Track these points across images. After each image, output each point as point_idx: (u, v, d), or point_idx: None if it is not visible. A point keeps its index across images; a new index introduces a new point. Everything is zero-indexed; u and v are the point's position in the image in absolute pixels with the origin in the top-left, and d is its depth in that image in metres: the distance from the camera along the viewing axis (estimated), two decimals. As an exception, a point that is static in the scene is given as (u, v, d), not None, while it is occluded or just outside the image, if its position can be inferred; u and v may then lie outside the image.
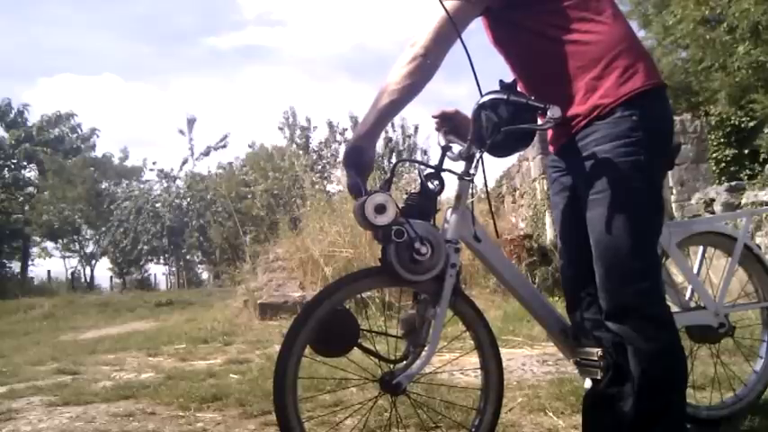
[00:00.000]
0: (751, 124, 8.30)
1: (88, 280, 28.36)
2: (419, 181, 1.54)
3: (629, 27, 1.56)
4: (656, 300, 1.48)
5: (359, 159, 1.47)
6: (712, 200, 6.92)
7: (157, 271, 30.37)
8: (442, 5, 1.44)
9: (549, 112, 1.38)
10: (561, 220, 1.70)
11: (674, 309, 1.85)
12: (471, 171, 1.53)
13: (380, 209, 1.39)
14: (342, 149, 23.07)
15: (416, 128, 23.17)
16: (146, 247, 25.73)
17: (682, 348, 1.51)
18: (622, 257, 1.44)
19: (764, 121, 7.95)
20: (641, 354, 1.44)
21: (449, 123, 1.69)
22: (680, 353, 1.49)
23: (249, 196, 21.94)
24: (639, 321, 1.44)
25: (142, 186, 28.45)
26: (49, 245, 29.66)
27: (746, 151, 8.39)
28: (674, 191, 8.07)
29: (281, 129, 24.46)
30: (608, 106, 1.45)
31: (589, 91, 1.47)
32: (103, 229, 26.62)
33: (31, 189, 30.07)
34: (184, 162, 27.30)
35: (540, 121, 1.46)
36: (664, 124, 1.54)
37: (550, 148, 1.73)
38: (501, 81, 1.46)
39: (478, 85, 1.49)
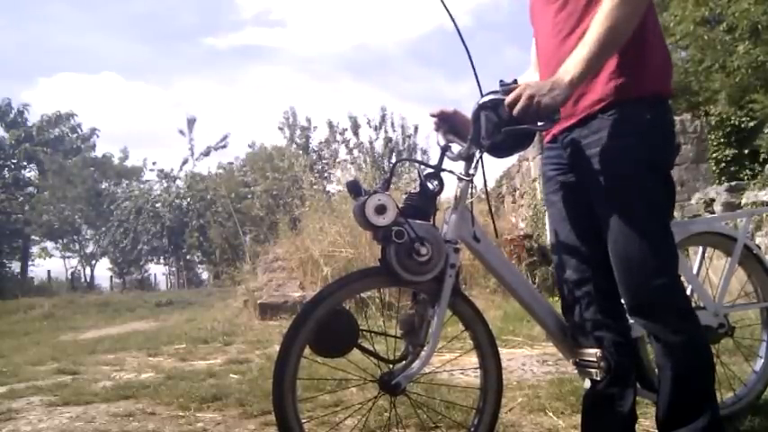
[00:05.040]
0: (751, 124, 8.27)
1: (88, 280, 28.38)
2: (419, 181, 1.54)
3: (642, 25, 1.51)
4: (677, 293, 1.49)
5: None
6: (712, 200, 6.91)
7: (157, 271, 30.44)
8: (443, 5, 1.44)
9: (549, 113, 1.38)
10: (558, 219, 1.68)
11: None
12: (471, 171, 1.53)
13: (380, 209, 1.39)
14: (341, 149, 23.12)
15: (416, 128, 23.21)
16: (146, 247, 25.79)
17: (705, 337, 1.55)
18: (641, 255, 1.45)
19: (764, 121, 7.93)
20: (670, 346, 1.47)
21: (447, 123, 1.68)
22: (705, 342, 1.53)
23: (249, 196, 21.98)
24: (664, 315, 1.46)
25: (142, 186, 28.50)
26: (49, 245, 29.70)
27: (746, 151, 8.36)
28: (674, 191, 8.03)
29: (281, 129, 24.53)
30: (611, 103, 1.45)
31: (596, 84, 1.47)
32: (103, 229, 26.65)
33: (31, 189, 30.08)
34: (184, 162, 27.44)
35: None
36: (667, 122, 1.54)
37: (546, 139, 1.70)
38: (501, 81, 1.45)
39: (479, 85, 1.48)
